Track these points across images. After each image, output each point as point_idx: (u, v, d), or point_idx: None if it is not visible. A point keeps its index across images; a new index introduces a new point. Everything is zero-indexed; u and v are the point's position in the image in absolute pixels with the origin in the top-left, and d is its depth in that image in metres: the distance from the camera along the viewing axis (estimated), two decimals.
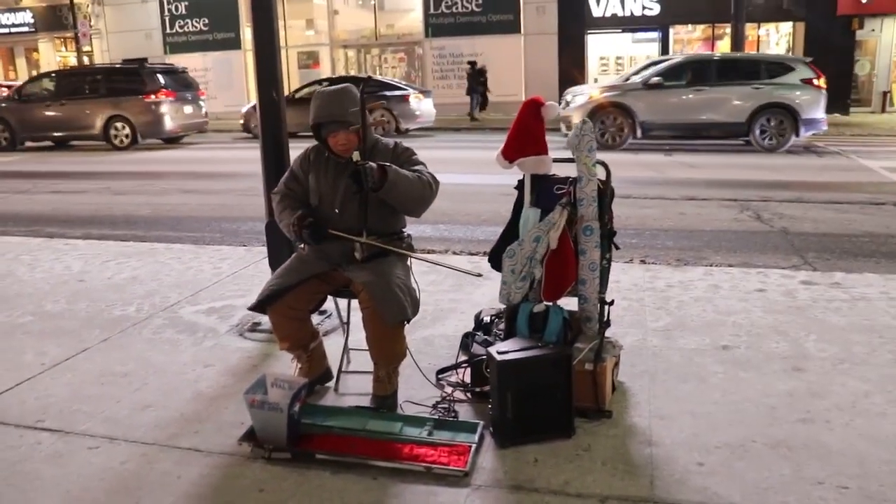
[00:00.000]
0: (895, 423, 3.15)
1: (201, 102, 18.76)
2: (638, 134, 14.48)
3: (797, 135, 13.91)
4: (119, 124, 17.30)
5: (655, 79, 14.56)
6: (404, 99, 17.91)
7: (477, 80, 21.76)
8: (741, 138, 14.31)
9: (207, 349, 4.21)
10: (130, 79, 17.51)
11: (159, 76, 17.54)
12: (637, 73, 15.47)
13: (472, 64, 21.80)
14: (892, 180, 10.17)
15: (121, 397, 3.57)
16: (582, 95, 15.30)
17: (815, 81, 13.95)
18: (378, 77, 20.24)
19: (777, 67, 14.29)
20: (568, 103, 15.27)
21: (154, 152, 16.84)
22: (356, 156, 3.26)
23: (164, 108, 17.30)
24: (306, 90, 18.41)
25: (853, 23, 21.86)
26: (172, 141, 18.60)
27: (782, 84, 13.94)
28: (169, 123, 17.44)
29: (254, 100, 20.25)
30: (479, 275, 3.58)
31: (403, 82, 20.55)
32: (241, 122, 19.28)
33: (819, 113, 13.90)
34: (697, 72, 14.56)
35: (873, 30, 22.62)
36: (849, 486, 2.69)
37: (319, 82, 19.00)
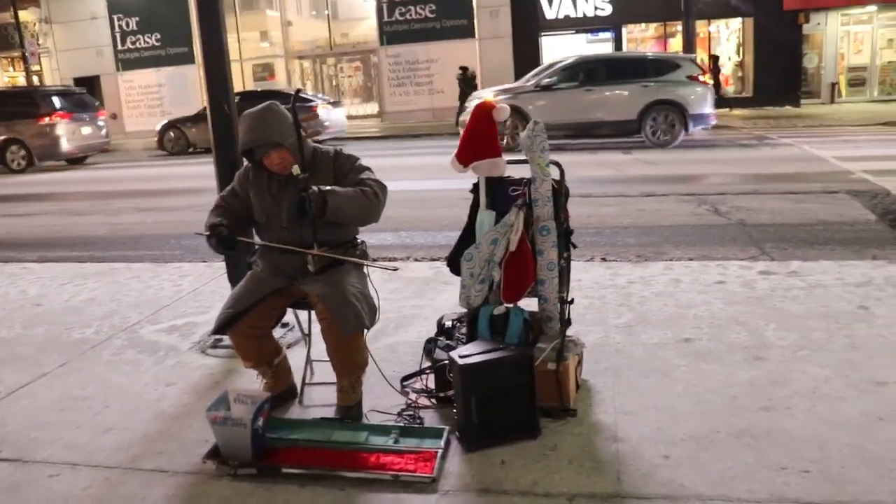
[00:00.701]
0: (854, 406, 3.21)
1: (101, 123, 18.98)
2: None
3: (686, 130, 14.33)
4: (14, 147, 17.38)
5: (547, 80, 14.98)
6: (311, 110, 18.03)
7: (469, 85, 21.51)
8: (633, 135, 14.71)
9: (169, 368, 4.15)
10: (24, 102, 17.75)
11: (54, 98, 17.80)
12: (537, 74, 15.76)
13: (464, 70, 21.58)
14: (844, 169, 10.38)
15: (81, 422, 3.50)
16: (479, 100, 15.29)
17: (701, 78, 14.43)
18: (285, 90, 20.34)
19: (664, 65, 14.74)
20: (466, 108, 15.49)
21: (52, 174, 16.96)
22: (296, 169, 3.23)
23: (59, 130, 17.49)
24: None
25: (799, 17, 22.31)
26: (76, 161, 18.80)
27: (669, 81, 14.39)
28: (65, 145, 17.62)
29: (167, 118, 20.59)
30: (396, 269, 3.52)
31: (312, 94, 20.77)
32: (156, 139, 19.72)
33: (707, 108, 14.36)
34: (589, 72, 14.99)
35: (819, 23, 23.11)
36: (810, 469, 2.74)
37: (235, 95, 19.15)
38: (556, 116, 14.31)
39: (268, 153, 3.31)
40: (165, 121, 20.36)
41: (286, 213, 3.28)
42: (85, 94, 19.21)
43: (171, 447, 3.20)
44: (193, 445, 3.17)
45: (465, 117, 15.75)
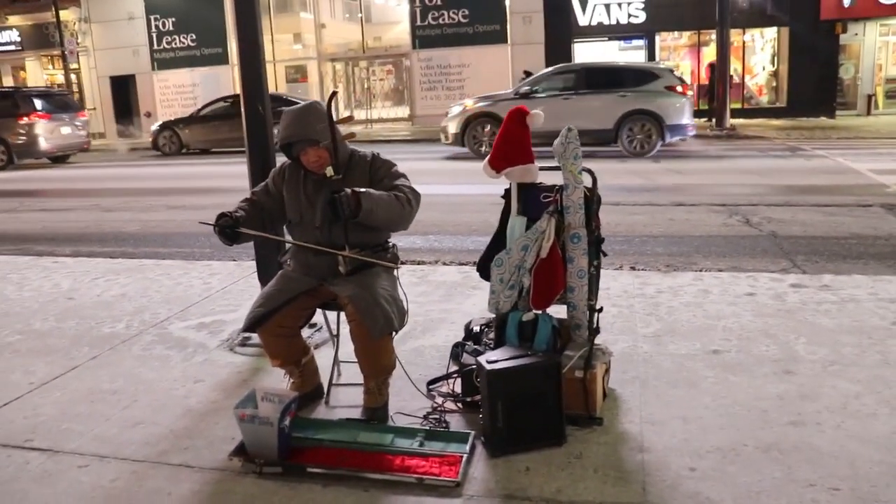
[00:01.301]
0: (886, 423, 3.16)
1: (80, 123, 19.65)
2: None
3: (663, 140, 14.30)
4: None
5: (525, 88, 15.12)
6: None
7: None
8: (610, 144, 14.73)
9: (197, 365, 4.19)
10: (5, 101, 18.52)
11: (35, 99, 18.54)
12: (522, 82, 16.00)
13: (528, 74, 21.53)
14: (879, 182, 10.23)
15: (110, 415, 3.55)
16: (459, 106, 15.82)
17: (679, 88, 14.43)
18: (274, 94, 20.68)
19: (643, 75, 14.78)
20: (447, 114, 15.76)
21: (31, 171, 17.64)
22: (329, 171, 3.26)
23: (38, 130, 18.23)
24: (211, 108, 20.16)
25: (836, 27, 22.02)
26: (59, 160, 19.50)
27: (647, 91, 14.43)
28: (44, 144, 18.41)
29: (161, 120, 21.00)
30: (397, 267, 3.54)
31: (294, 97, 20.98)
32: (151, 140, 20.37)
33: (684, 119, 14.39)
34: (568, 81, 15.08)
35: (856, 34, 22.80)
36: (840, 487, 2.70)
37: (224, 99, 20.39)
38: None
39: (305, 150, 3.33)
40: (160, 122, 20.96)
41: (319, 214, 3.31)
42: (67, 96, 20.29)
43: (198, 443, 3.24)
44: (220, 442, 3.20)
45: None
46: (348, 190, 3.15)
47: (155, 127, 20.55)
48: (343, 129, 3.43)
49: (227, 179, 12.66)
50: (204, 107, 20.59)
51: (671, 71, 15.07)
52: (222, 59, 25.93)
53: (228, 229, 3.31)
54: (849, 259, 6.32)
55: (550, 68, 16.08)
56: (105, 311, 5.22)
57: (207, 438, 3.27)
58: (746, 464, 2.88)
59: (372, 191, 3.23)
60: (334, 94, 3.36)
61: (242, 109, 4.46)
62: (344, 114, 15.83)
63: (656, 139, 14.35)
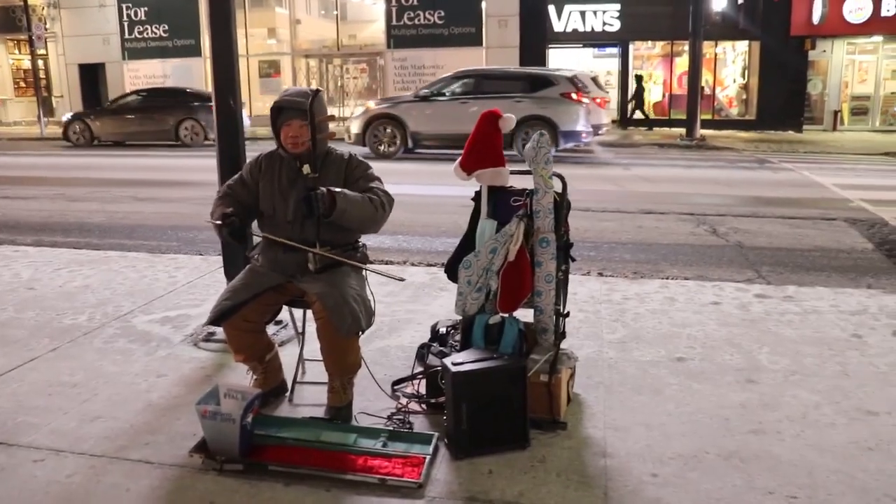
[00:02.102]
0: (843, 433, 3.22)
1: None
2: (409, 144, 15.40)
3: (557, 146, 14.42)
4: None
5: (425, 91, 15.53)
6: (211, 110, 18.17)
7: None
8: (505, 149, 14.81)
9: (160, 359, 4.13)
10: None
11: None
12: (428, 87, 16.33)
13: (639, 77, 21.47)
14: (843, 197, 10.41)
15: (68, 408, 3.49)
16: (361, 108, 16.32)
17: (574, 95, 14.72)
18: (189, 89, 20.85)
19: (540, 82, 15.11)
20: (352, 115, 16.29)
21: None
22: (306, 168, 3.25)
23: None
24: (124, 100, 20.27)
25: (805, 43, 22.39)
26: None
27: (543, 98, 14.73)
28: None
29: (75, 109, 20.82)
30: (402, 279, 3.56)
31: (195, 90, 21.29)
32: (61, 130, 20.10)
33: (579, 125, 14.66)
34: (467, 85, 15.45)
35: (824, 50, 23.20)
36: (798, 495, 2.74)
37: (137, 92, 20.85)
38: (432, 126, 15.06)
39: (290, 121, 3.32)
40: (71, 113, 20.70)
41: (293, 209, 3.30)
42: None
43: (159, 439, 3.19)
44: (181, 438, 3.16)
45: None
46: (324, 189, 3.13)
47: (66, 117, 20.21)
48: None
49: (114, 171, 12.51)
50: (116, 99, 20.66)
51: (568, 78, 15.12)
52: (195, 52, 25.60)
53: (239, 230, 3.34)
54: (812, 271, 6.42)
55: (451, 73, 16.47)
56: (67, 303, 5.13)
57: (168, 434, 3.23)
58: (707, 471, 2.91)
59: (347, 192, 3.23)
60: (318, 91, 3.35)
61: (213, 103, 4.42)
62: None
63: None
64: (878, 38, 22.78)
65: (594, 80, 16.55)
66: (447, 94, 15.38)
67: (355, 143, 15.61)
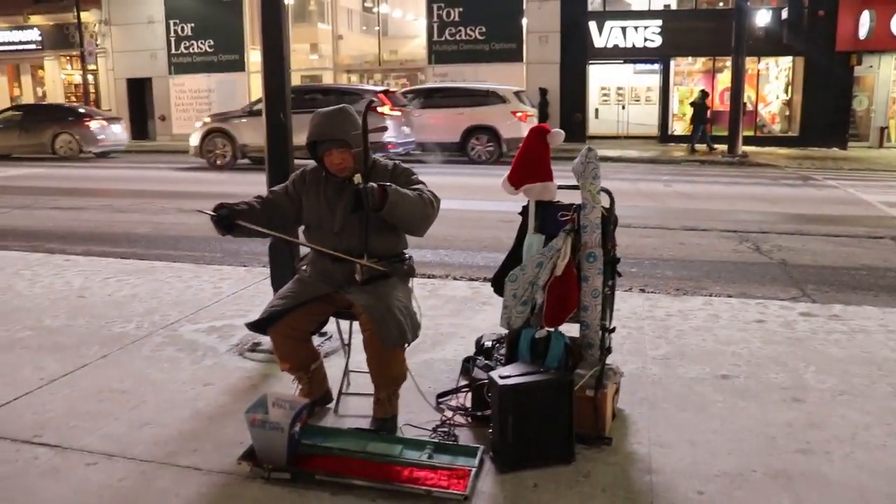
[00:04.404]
0: (895, 455, 3.16)
1: None
2: (239, 156, 16.82)
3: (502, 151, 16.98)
4: None
5: (258, 107, 15.96)
6: (83, 124, 19.96)
7: (704, 109, 20.95)
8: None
9: (207, 368, 4.20)
10: None
11: None
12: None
13: (703, 93, 21.59)
14: (890, 214, 10.22)
15: (119, 414, 3.56)
16: (201, 122, 17.48)
17: (519, 115, 17.12)
18: (66, 104, 22.27)
19: (487, 96, 17.50)
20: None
21: None
22: (357, 178, 3.26)
23: None
24: (3, 115, 21.14)
25: (851, 59, 22.06)
26: None
27: (488, 110, 17.14)
28: None
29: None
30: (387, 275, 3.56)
31: (94, 109, 22.57)
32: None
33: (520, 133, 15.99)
34: (293, 101, 16.07)
35: (871, 66, 22.84)
36: None
37: (16, 108, 22.12)
38: (257, 140, 15.79)
39: (330, 150, 3.35)
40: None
41: (341, 212, 3.34)
42: None
43: (206, 446, 3.24)
44: (228, 446, 3.21)
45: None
46: (374, 184, 3.18)
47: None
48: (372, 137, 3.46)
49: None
50: (3, 110, 21.66)
51: (515, 93, 17.63)
52: (239, 66, 26.13)
53: (224, 219, 3.32)
54: (859, 290, 6.31)
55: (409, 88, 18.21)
56: (116, 311, 5.25)
57: (216, 441, 3.28)
58: (754, 489, 2.88)
59: (397, 187, 3.25)
60: (372, 102, 3.39)
61: (264, 117, 4.49)
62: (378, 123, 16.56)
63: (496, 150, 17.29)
64: None
65: (517, 94, 17.94)
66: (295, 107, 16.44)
67: (195, 155, 17.16)
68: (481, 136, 17.51)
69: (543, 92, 22.75)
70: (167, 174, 16.46)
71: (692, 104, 21.32)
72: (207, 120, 17.56)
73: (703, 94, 21.33)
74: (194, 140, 17.16)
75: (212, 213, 3.33)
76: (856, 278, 6.74)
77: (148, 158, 20.84)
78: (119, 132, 21.21)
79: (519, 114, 17.38)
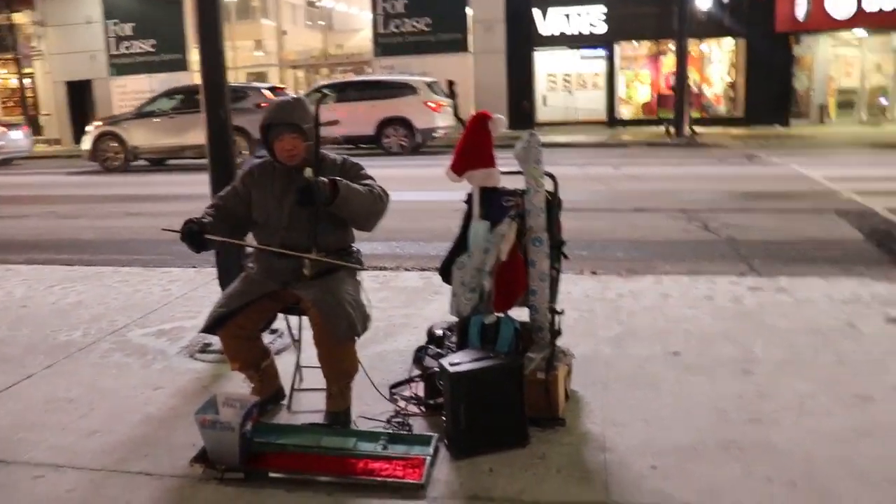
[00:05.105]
0: (841, 420, 3.24)
1: None
2: (131, 158, 17.01)
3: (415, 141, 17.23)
4: None
5: (148, 108, 17.27)
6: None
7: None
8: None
9: (157, 372, 4.13)
10: None
11: None
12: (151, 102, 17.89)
13: (451, 84, 21.67)
14: (832, 189, 10.46)
15: (67, 424, 3.48)
16: (92, 126, 17.78)
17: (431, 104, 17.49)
18: None
19: (400, 88, 17.68)
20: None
21: None
22: (308, 172, 3.23)
23: None
24: None
25: (790, 39, 22.51)
26: None
27: (402, 101, 17.45)
28: None
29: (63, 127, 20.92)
30: (365, 268, 3.57)
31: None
32: None
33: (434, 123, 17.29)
34: (179, 101, 16.88)
35: (809, 46, 23.32)
36: (797, 482, 2.76)
37: None
38: (149, 141, 16.71)
39: (282, 135, 3.31)
40: None
41: (288, 207, 3.30)
42: None
43: (158, 450, 3.19)
44: (180, 449, 3.15)
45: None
46: (324, 178, 3.14)
47: None
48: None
49: None
50: None
51: (428, 84, 17.88)
52: (181, 66, 25.61)
53: (196, 235, 3.28)
54: (804, 263, 6.44)
55: (164, 90, 18.20)
56: (61, 319, 5.12)
57: (167, 445, 3.22)
58: (707, 461, 2.93)
59: (347, 181, 3.23)
60: (322, 97, 3.38)
61: (204, 115, 4.41)
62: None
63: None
64: (861, 33, 22.91)
65: (430, 85, 18.26)
66: (164, 108, 16.87)
67: (88, 159, 17.26)
68: (396, 128, 17.62)
69: (451, 84, 22.67)
70: (55, 179, 16.39)
71: (672, 88, 21.40)
72: (99, 123, 17.78)
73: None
74: (86, 144, 17.27)
75: (180, 231, 3.28)
76: (801, 251, 6.89)
77: (51, 164, 20.32)
78: (20, 139, 20.73)
79: (432, 104, 17.59)
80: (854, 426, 3.17)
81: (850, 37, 23.23)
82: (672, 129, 20.02)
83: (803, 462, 2.89)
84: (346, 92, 18.15)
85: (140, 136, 16.73)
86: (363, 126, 17.40)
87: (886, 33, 22.86)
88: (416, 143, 17.65)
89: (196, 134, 15.65)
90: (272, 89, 16.75)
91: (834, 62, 23.72)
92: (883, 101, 23.30)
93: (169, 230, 3.37)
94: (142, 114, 16.94)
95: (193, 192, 9.94)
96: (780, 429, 3.17)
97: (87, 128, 17.89)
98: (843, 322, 4.50)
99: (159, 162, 17.60)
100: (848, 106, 23.77)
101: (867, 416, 3.27)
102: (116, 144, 16.96)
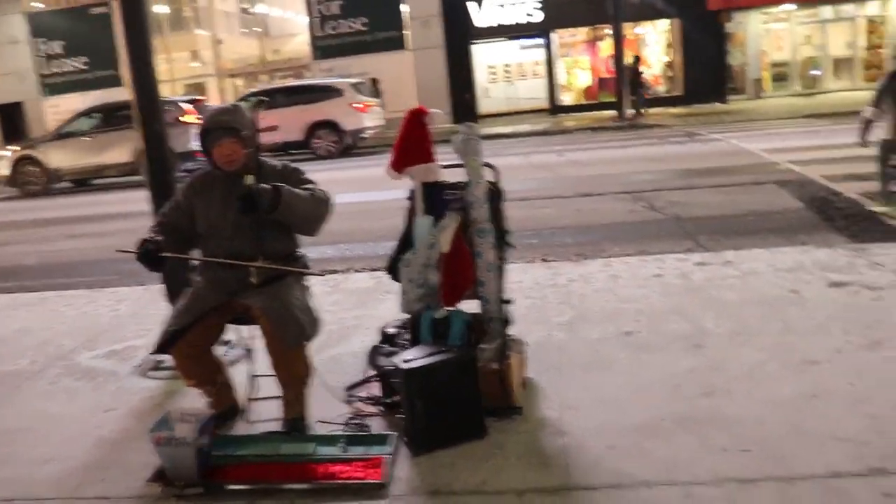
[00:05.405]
0: (790, 386, 3.32)
1: None
2: (54, 181, 16.55)
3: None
4: None
5: (67, 128, 16.85)
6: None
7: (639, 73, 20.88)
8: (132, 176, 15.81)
9: (109, 394, 4.05)
10: None
11: None
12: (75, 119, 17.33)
13: (636, 58, 21.25)
14: (771, 161, 10.70)
15: (18, 455, 3.39)
16: (8, 151, 17.51)
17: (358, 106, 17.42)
18: None
19: (327, 91, 17.60)
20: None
21: None
22: (250, 179, 3.19)
23: None
24: None
25: (721, 16, 22.94)
26: None
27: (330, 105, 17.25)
28: None
29: None
30: (322, 274, 3.55)
31: None
32: None
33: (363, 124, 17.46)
34: (102, 119, 16.55)
35: (741, 22, 23.80)
36: (751, 448, 2.82)
37: None
38: (70, 161, 16.20)
39: (220, 140, 3.26)
40: None
41: (233, 216, 3.25)
42: None
43: (114, 473, 3.13)
44: (137, 469, 3.10)
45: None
46: (266, 185, 3.12)
47: None
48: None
49: None
50: None
51: (353, 85, 17.82)
52: (115, 82, 24.98)
53: (152, 254, 3.24)
54: (748, 235, 6.59)
55: (83, 109, 17.79)
56: (5, 348, 4.98)
57: (123, 467, 3.17)
58: (663, 437, 2.97)
59: (289, 187, 3.20)
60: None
61: (140, 130, 4.33)
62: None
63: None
64: (790, 7, 23.44)
65: (355, 86, 18.14)
66: (81, 130, 16.47)
67: (8, 184, 16.75)
68: (324, 132, 17.53)
69: (374, 82, 22.64)
70: None
71: (629, 70, 21.50)
72: (16, 148, 17.38)
73: (636, 59, 21.58)
74: (3, 170, 16.82)
75: (136, 252, 3.23)
76: (744, 224, 7.04)
77: None
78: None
79: (358, 105, 17.56)
80: (802, 391, 3.26)
81: (779, 11, 23.75)
82: (642, 110, 20.34)
83: (756, 429, 2.96)
84: (274, 98, 17.95)
85: (61, 158, 16.30)
86: (292, 132, 17.29)
87: (814, 6, 23.45)
88: (346, 145, 17.59)
89: (118, 152, 15.39)
90: (192, 101, 16.36)
91: (765, 37, 24.26)
92: (815, 72, 23.88)
93: (124, 251, 3.31)
94: (61, 135, 16.57)
95: (130, 209, 9.83)
96: (732, 399, 3.24)
97: (2, 153, 17.48)
98: (788, 290, 4.61)
99: (83, 182, 17.11)
100: (782, 79, 24.33)
101: (814, 379, 3.36)
102: (36, 168, 16.52)
